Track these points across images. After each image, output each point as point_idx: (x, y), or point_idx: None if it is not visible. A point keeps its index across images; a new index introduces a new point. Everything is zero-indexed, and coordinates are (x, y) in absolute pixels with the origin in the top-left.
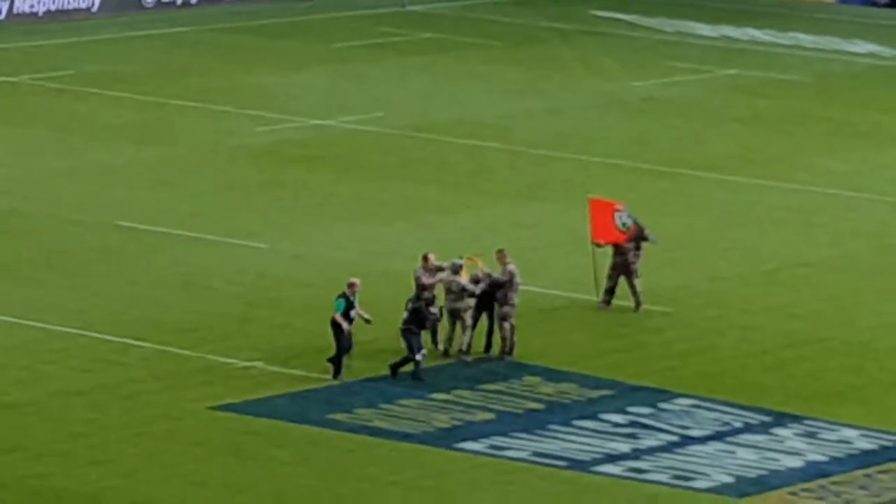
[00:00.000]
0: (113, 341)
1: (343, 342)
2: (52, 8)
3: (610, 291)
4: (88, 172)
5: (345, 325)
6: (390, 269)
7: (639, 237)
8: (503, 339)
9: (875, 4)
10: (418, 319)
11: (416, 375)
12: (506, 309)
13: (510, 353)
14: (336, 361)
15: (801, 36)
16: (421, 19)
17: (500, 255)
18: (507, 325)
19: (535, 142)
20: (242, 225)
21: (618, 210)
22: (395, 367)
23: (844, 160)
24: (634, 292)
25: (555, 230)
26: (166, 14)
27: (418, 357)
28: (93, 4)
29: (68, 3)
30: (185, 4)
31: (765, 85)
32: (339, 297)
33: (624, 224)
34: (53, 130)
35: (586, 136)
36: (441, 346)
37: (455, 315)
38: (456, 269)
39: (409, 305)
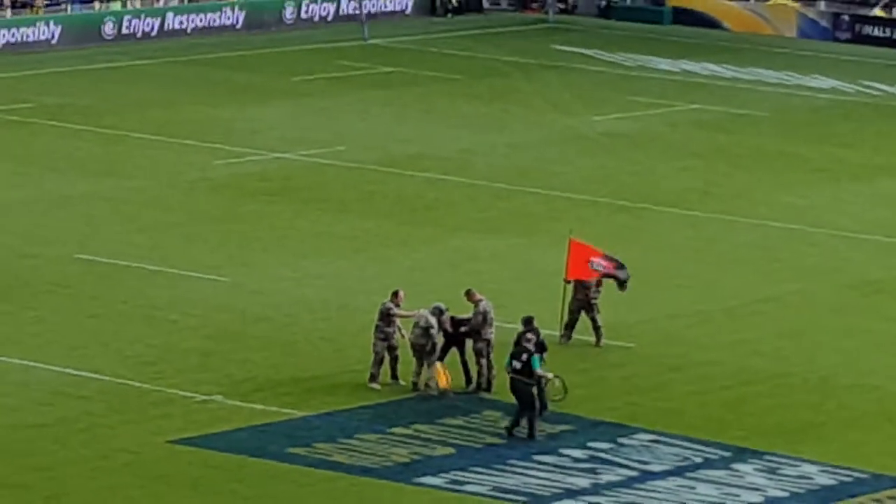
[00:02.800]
0: (72, 374)
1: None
2: (11, 40)
3: (570, 326)
4: (47, 204)
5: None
6: (349, 304)
7: (611, 276)
8: (479, 374)
9: (836, 40)
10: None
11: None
12: (479, 345)
13: (488, 389)
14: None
15: (762, 71)
16: (382, 53)
17: (469, 294)
18: (483, 361)
19: (496, 176)
20: (202, 258)
21: (594, 258)
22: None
23: (804, 195)
24: (596, 327)
25: (515, 264)
26: (127, 46)
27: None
28: (52, 36)
29: (28, 35)
30: (146, 37)
31: (725, 120)
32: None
33: (598, 268)
34: (11, 162)
35: (547, 170)
36: (400, 381)
37: (419, 350)
38: (438, 312)
39: (524, 356)
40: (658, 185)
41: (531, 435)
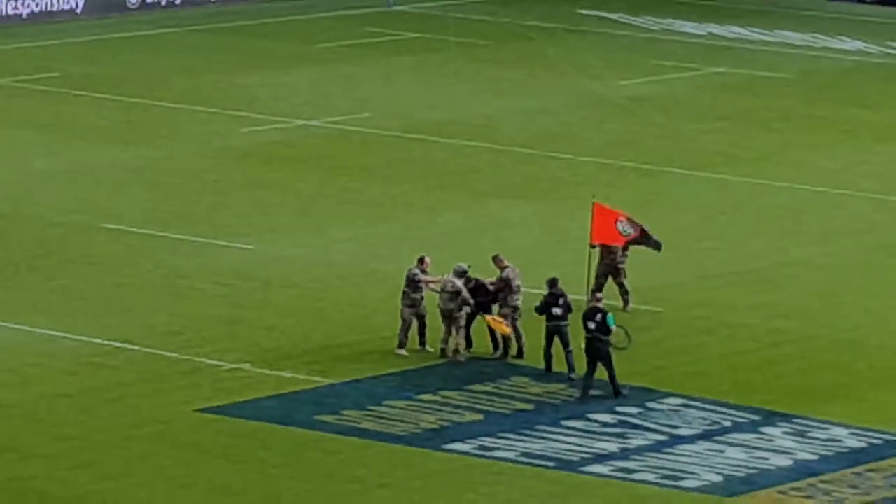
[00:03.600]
0: (99, 344)
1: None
2: (36, 10)
3: (597, 291)
4: (72, 174)
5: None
6: (377, 270)
7: (640, 243)
8: (507, 341)
9: (863, 2)
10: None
11: (572, 368)
12: (505, 311)
13: (519, 355)
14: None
15: (788, 33)
16: (406, 19)
17: (497, 260)
18: (509, 324)
19: (522, 141)
20: (228, 226)
21: (620, 220)
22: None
23: (831, 157)
24: (623, 292)
25: (542, 229)
26: (151, 15)
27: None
28: (77, 6)
29: (52, 4)
30: (170, 5)
31: (751, 83)
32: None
33: (625, 231)
34: (37, 132)
35: (572, 134)
36: (427, 347)
37: (448, 316)
38: (460, 274)
39: (561, 300)
40: (684, 148)
41: (617, 392)
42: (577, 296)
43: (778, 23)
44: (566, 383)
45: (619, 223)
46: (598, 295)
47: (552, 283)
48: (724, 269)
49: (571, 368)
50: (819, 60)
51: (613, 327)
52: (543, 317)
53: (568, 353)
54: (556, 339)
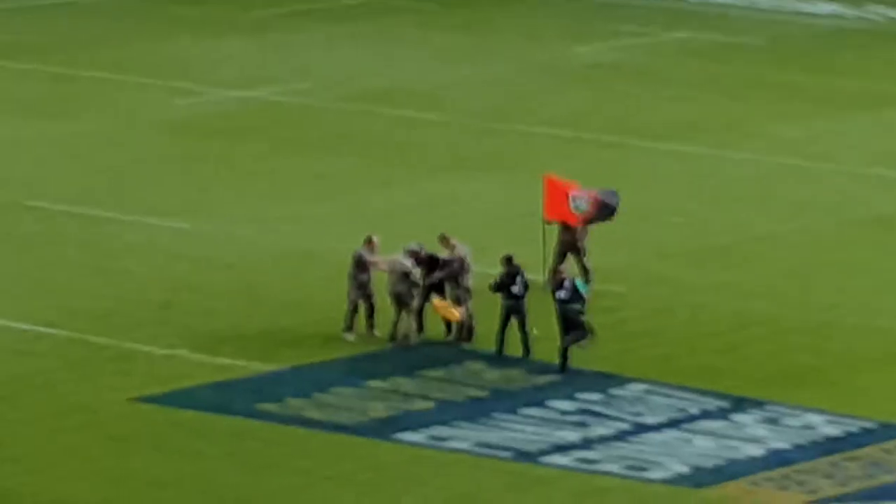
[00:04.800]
0: (23, 329)
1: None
2: None
3: (557, 270)
4: None
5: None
6: (320, 250)
7: (595, 219)
8: (460, 323)
9: None
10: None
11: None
12: (458, 293)
13: (468, 339)
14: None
15: None
16: None
17: (444, 239)
18: (462, 309)
19: (472, 112)
20: (161, 203)
21: (573, 194)
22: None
23: (802, 127)
24: (584, 271)
25: (495, 206)
26: None
27: (535, 332)
28: None
29: None
30: None
31: (717, 48)
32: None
33: (577, 208)
34: None
35: (526, 105)
36: (375, 331)
37: (398, 299)
38: (412, 254)
39: (518, 278)
40: (645, 118)
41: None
42: (535, 275)
43: None
44: (523, 368)
45: (571, 198)
46: (561, 268)
47: (508, 259)
48: (687, 246)
49: (527, 350)
50: (790, 25)
51: (584, 292)
52: (499, 296)
53: (524, 333)
54: (513, 320)
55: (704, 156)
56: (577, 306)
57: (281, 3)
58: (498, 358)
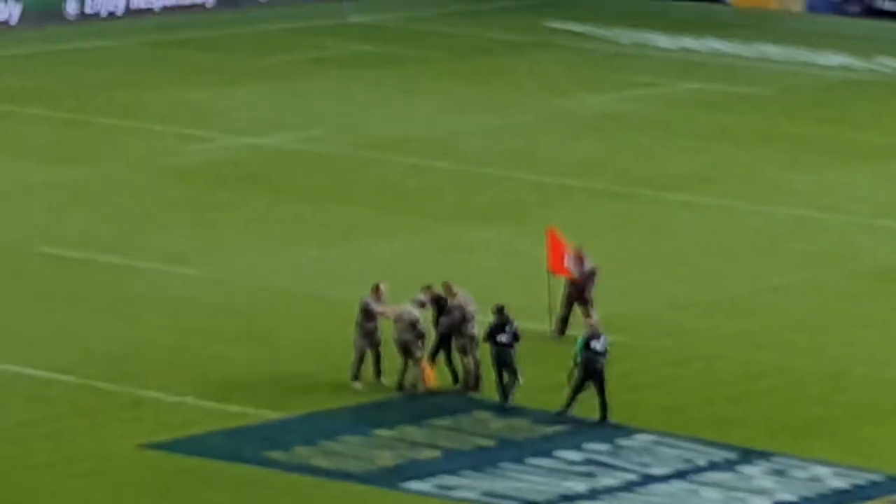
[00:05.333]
0: (34, 375)
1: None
2: None
3: (564, 320)
4: (7, 193)
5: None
6: (330, 297)
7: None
8: (467, 372)
9: (846, 14)
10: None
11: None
12: (462, 342)
13: (476, 387)
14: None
15: (767, 47)
16: (363, 31)
17: (447, 288)
18: (468, 359)
19: (484, 160)
20: (172, 250)
21: (568, 254)
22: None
23: (813, 179)
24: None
25: (504, 255)
26: (91, 26)
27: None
28: (12, 16)
29: None
30: (111, 16)
31: (728, 99)
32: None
33: (572, 270)
34: None
35: (538, 154)
36: (384, 380)
37: (405, 347)
38: (419, 304)
39: (507, 327)
40: (657, 169)
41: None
42: (542, 325)
43: (756, 36)
44: (530, 418)
45: (566, 258)
46: (590, 321)
47: (500, 309)
48: (698, 297)
49: (505, 397)
50: (800, 76)
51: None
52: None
53: (513, 380)
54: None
55: (716, 206)
56: (602, 359)
57: (294, 50)
58: (504, 408)
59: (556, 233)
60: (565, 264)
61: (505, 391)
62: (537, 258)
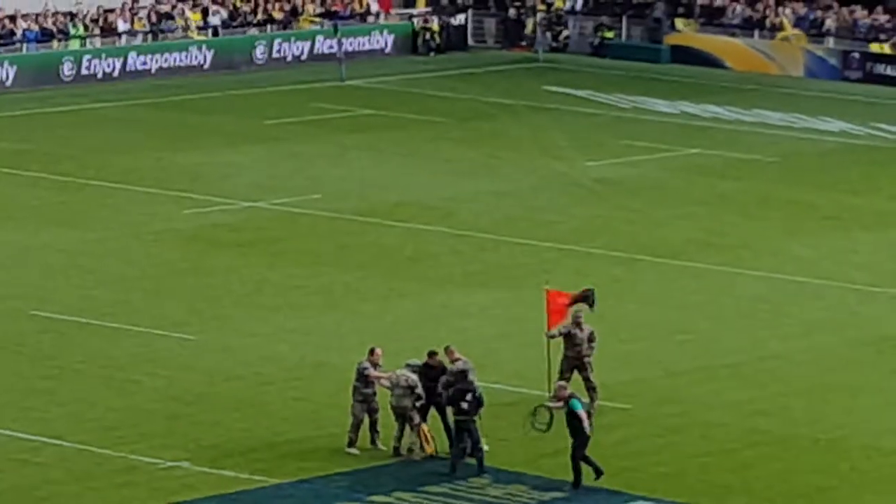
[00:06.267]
0: (26, 439)
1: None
2: None
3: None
4: (1, 257)
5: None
6: (326, 362)
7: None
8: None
9: (846, 80)
10: (479, 405)
11: (484, 469)
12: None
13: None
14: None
15: (767, 113)
16: (361, 94)
17: (448, 351)
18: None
19: (482, 225)
20: (168, 314)
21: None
22: (455, 464)
23: (813, 245)
24: (589, 387)
25: (502, 320)
26: (87, 88)
27: (486, 447)
28: (7, 77)
29: None
30: (107, 78)
31: (728, 165)
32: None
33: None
34: None
35: (537, 219)
36: (380, 445)
37: (401, 413)
38: (414, 369)
39: (469, 395)
40: (656, 234)
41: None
42: (538, 391)
43: (756, 102)
44: (528, 485)
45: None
46: (562, 383)
47: (462, 374)
48: (697, 364)
49: (481, 466)
50: (800, 142)
51: (579, 411)
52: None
53: (477, 450)
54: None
55: (715, 272)
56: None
57: (295, 111)
58: (503, 474)
59: (553, 292)
60: (567, 304)
61: (479, 461)
62: (535, 323)
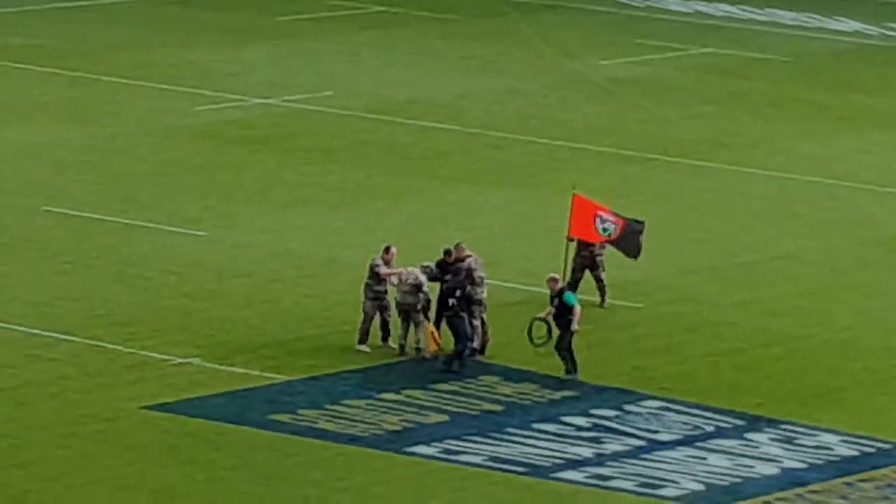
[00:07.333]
0: (39, 335)
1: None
2: None
3: (574, 285)
4: (12, 153)
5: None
6: (337, 259)
7: (617, 246)
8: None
9: None
10: (468, 304)
11: (462, 364)
12: (470, 306)
13: (482, 351)
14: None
15: (780, 12)
16: None
17: (458, 248)
18: (475, 322)
19: (493, 123)
20: (179, 211)
21: (602, 214)
22: (449, 363)
23: (825, 145)
24: (600, 287)
25: (513, 219)
26: None
27: (475, 345)
28: None
29: None
30: None
31: (740, 64)
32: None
33: (605, 230)
34: None
35: (548, 117)
36: (391, 343)
37: (405, 310)
38: (426, 271)
39: (458, 292)
40: (668, 134)
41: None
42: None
43: (770, 1)
44: (538, 383)
45: (598, 219)
46: (554, 275)
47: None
48: (708, 263)
49: (459, 357)
50: (813, 42)
51: (573, 305)
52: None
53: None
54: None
55: (727, 172)
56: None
57: (306, 8)
58: (514, 372)
59: (582, 197)
60: (596, 225)
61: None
62: (546, 222)
